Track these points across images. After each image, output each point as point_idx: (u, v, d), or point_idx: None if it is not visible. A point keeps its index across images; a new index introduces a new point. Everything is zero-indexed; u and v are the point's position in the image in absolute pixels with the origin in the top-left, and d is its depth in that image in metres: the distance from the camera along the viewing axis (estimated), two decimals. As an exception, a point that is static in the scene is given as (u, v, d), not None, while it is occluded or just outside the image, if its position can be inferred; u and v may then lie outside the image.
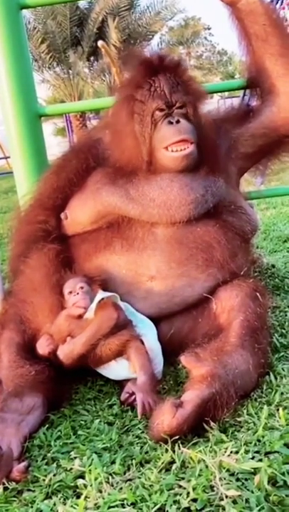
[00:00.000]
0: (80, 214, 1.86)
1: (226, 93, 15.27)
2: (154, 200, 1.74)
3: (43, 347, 1.60)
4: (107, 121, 2.00)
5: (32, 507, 1.11)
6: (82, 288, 1.63)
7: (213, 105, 2.07)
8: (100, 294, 1.61)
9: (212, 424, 1.30)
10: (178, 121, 1.73)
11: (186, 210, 1.73)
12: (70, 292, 1.63)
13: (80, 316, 1.59)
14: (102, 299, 1.60)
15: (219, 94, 15.36)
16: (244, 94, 4.13)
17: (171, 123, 1.73)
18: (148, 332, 1.65)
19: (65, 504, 1.10)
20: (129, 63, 1.88)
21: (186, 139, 1.71)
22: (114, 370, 1.60)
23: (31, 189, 2.06)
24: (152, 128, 1.73)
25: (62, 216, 1.90)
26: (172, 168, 1.74)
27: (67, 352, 1.55)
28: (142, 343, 1.60)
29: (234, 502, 1.04)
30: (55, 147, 2.45)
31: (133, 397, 1.50)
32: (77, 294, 1.62)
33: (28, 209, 1.99)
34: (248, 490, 1.07)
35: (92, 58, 17.30)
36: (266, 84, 1.95)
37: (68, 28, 15.54)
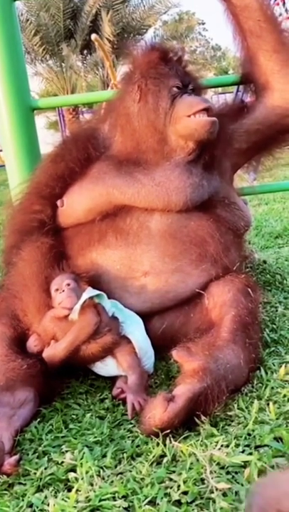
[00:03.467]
0: (77, 201, 1.84)
1: (220, 89, 15.26)
2: (154, 180, 1.74)
3: (31, 347, 1.61)
4: (110, 108, 1.99)
5: (23, 500, 1.11)
6: (68, 285, 1.60)
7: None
8: (86, 294, 1.57)
9: (203, 418, 1.31)
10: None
11: (184, 193, 1.73)
12: (57, 290, 1.60)
13: (66, 317, 1.57)
14: (85, 301, 1.56)
15: (213, 89, 15.33)
16: (238, 90, 4.13)
17: (190, 95, 1.77)
18: (136, 329, 1.64)
19: (56, 497, 1.10)
20: (136, 51, 1.89)
21: (211, 107, 1.73)
22: (103, 368, 1.60)
23: (27, 178, 2.04)
24: (169, 103, 1.74)
25: (59, 203, 1.87)
26: (197, 135, 1.72)
27: (49, 356, 1.54)
28: (130, 341, 1.59)
29: (224, 495, 1.05)
30: (48, 140, 2.43)
31: (124, 394, 1.50)
32: (63, 291, 1.59)
33: (23, 197, 1.97)
34: (238, 483, 1.08)
35: (85, 52, 17.19)
36: (260, 81, 1.95)
37: (61, 20, 15.41)
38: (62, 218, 1.89)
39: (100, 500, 1.06)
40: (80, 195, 1.84)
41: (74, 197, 1.85)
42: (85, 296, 1.56)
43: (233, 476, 1.10)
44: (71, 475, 1.16)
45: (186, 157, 1.76)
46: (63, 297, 1.57)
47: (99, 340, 1.53)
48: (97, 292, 1.61)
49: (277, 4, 6.14)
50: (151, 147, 1.78)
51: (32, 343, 1.62)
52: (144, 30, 17.32)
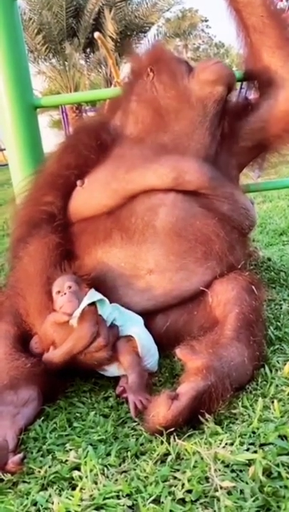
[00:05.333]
0: (100, 182, 1.82)
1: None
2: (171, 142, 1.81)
3: (32, 348, 1.62)
4: (117, 103, 2.01)
5: (27, 498, 1.11)
6: (69, 287, 1.57)
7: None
8: (87, 299, 1.55)
9: (207, 416, 1.30)
10: None
11: (197, 155, 1.79)
12: (58, 292, 1.58)
13: (66, 322, 1.55)
14: (85, 308, 1.53)
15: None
16: (241, 87, 4.12)
17: None
18: (137, 328, 1.64)
19: (60, 495, 1.10)
20: (141, 50, 1.99)
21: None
22: (106, 371, 1.60)
23: (37, 170, 2.03)
24: (184, 68, 1.83)
25: (79, 183, 1.85)
26: (225, 75, 1.80)
27: (47, 361, 1.54)
28: (130, 340, 1.59)
29: (229, 493, 1.04)
30: (51, 139, 2.43)
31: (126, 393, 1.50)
32: (65, 294, 1.57)
33: (34, 188, 1.95)
34: (242, 481, 1.07)
35: (88, 50, 17.18)
36: (264, 77, 1.95)
37: (64, 19, 15.40)
38: (74, 204, 1.87)
39: (104, 499, 1.06)
40: (102, 175, 1.83)
41: (97, 176, 1.84)
42: (85, 302, 1.54)
43: (237, 475, 1.10)
44: (75, 473, 1.16)
45: (215, 107, 1.81)
46: (64, 301, 1.55)
47: (95, 353, 1.52)
48: (98, 297, 1.59)
49: (281, 0, 6.11)
50: (171, 109, 1.82)
51: (33, 345, 1.63)
52: (147, 28, 17.28)
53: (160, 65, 1.86)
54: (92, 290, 1.60)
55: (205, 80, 1.80)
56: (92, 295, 1.58)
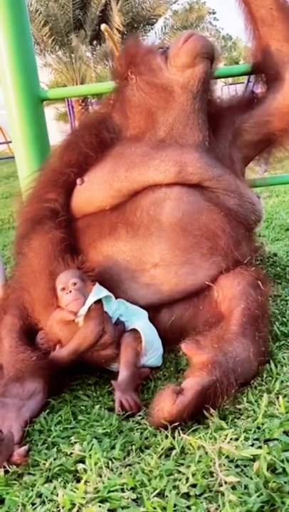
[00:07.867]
0: (98, 181, 1.82)
1: (230, 79, 15.09)
2: (171, 150, 1.78)
3: (39, 345, 1.63)
4: (114, 100, 2.01)
5: (32, 490, 1.12)
6: (74, 284, 1.56)
7: (218, 91, 2.06)
8: (92, 296, 1.54)
9: (212, 411, 1.30)
10: None
11: (203, 162, 1.77)
12: (63, 289, 1.57)
13: (72, 320, 1.55)
14: (91, 305, 1.53)
15: (223, 80, 15.15)
16: (248, 81, 4.09)
17: None
18: (141, 322, 1.64)
19: (65, 488, 1.11)
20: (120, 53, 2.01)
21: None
22: (111, 367, 1.60)
23: (40, 167, 2.03)
24: (160, 57, 1.82)
25: (78, 181, 1.86)
26: (199, 49, 1.74)
27: (54, 360, 1.54)
28: (137, 336, 1.59)
29: (233, 488, 1.04)
30: (57, 132, 2.43)
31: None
32: (70, 292, 1.55)
33: (37, 186, 1.96)
34: (247, 476, 1.07)
35: (94, 42, 17.05)
36: (271, 71, 1.93)
37: (71, 10, 15.28)
38: (76, 202, 1.87)
39: (109, 492, 1.06)
40: (102, 174, 1.83)
41: (96, 175, 1.84)
42: (91, 299, 1.54)
43: (242, 470, 1.10)
44: (80, 466, 1.17)
45: (202, 84, 1.78)
46: (70, 299, 1.55)
47: (101, 351, 1.53)
48: (104, 294, 1.58)
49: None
50: (161, 105, 1.81)
51: (39, 341, 1.64)
52: (154, 20, 17.12)
53: (137, 65, 1.85)
54: (97, 285, 1.60)
55: (181, 64, 1.75)
56: (98, 291, 1.57)
